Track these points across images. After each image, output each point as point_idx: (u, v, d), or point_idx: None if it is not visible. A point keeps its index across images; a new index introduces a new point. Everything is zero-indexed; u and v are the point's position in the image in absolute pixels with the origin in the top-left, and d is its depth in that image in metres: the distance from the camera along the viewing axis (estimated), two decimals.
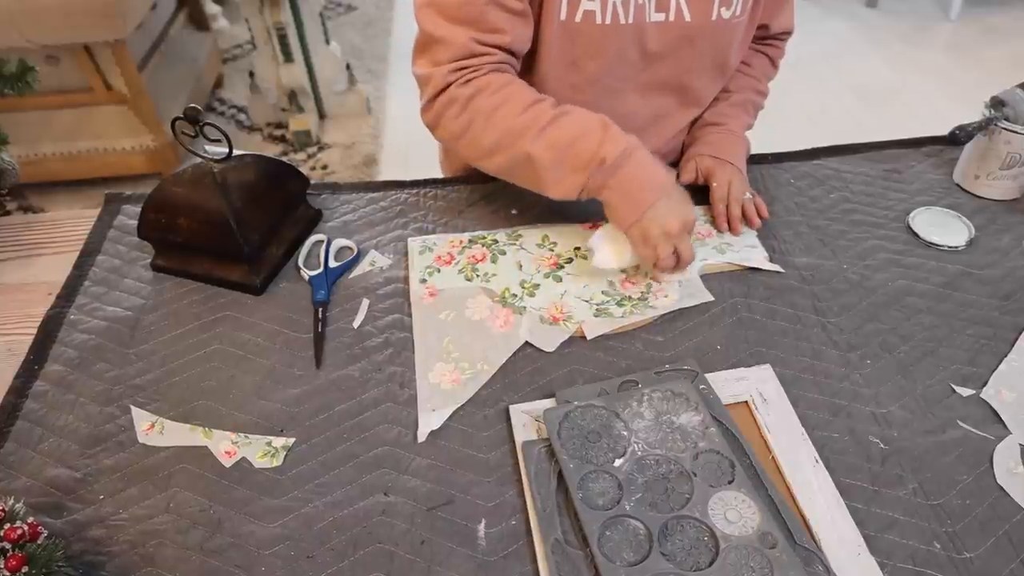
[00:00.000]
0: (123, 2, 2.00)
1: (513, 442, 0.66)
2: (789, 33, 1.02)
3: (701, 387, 0.69)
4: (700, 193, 0.95)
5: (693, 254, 0.79)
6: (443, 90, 0.80)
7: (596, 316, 0.78)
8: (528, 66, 0.86)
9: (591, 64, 0.85)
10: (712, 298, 0.80)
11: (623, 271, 0.83)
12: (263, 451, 0.66)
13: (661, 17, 0.83)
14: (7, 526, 0.53)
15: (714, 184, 0.91)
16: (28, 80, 0.96)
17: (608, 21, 0.81)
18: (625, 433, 0.64)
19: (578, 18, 0.80)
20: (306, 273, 0.84)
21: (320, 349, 0.75)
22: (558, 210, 0.89)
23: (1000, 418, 0.68)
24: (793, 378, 0.72)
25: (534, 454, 0.64)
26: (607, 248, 0.81)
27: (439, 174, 1.12)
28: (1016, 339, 0.76)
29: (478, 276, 0.83)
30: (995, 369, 0.73)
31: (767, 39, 1.01)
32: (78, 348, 0.76)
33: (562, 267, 0.85)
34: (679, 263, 0.79)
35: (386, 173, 2.48)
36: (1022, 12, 3.46)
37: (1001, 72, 2.92)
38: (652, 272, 0.83)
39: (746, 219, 0.90)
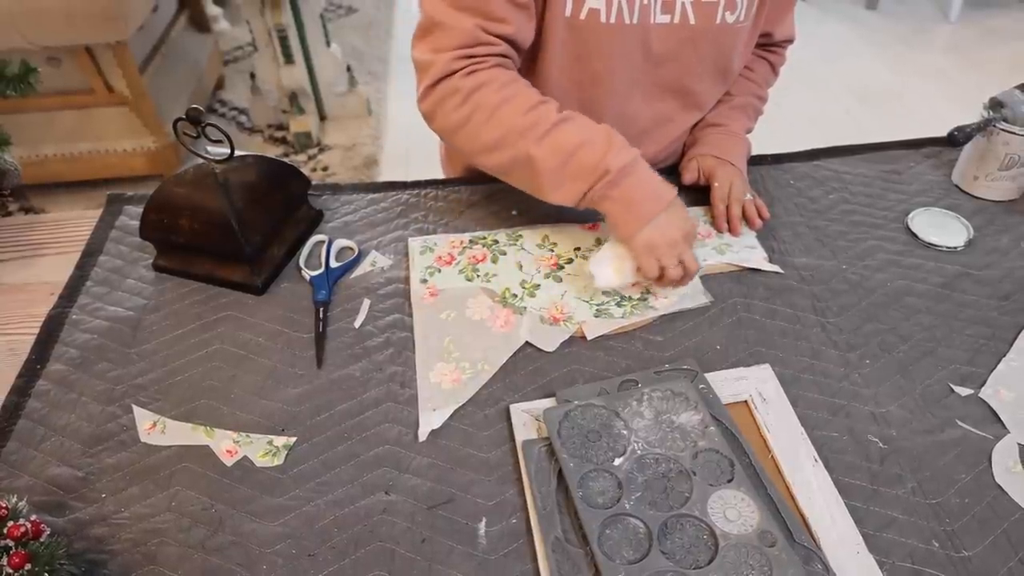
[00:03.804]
0: (124, 4, 2.00)
1: (513, 441, 0.67)
2: (791, 41, 1.03)
3: (701, 387, 0.70)
4: (701, 193, 0.95)
5: (698, 264, 0.79)
6: (444, 78, 0.78)
7: (596, 316, 0.78)
8: (532, 62, 0.86)
9: (595, 63, 0.85)
10: (709, 301, 0.80)
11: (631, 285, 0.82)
12: (264, 450, 0.66)
13: (666, 19, 0.83)
14: (10, 524, 0.53)
15: (715, 184, 0.92)
16: (30, 81, 0.96)
17: (613, 20, 0.81)
18: (625, 432, 0.64)
19: (583, 15, 0.80)
20: (307, 273, 0.84)
21: (321, 349, 0.76)
22: (558, 211, 0.89)
23: (999, 417, 0.68)
24: (792, 378, 0.72)
25: (534, 453, 0.64)
26: (608, 268, 0.80)
27: (440, 175, 1.13)
28: (1015, 339, 0.76)
29: (479, 276, 0.84)
30: (994, 369, 0.73)
31: (770, 46, 1.02)
32: (80, 348, 0.76)
33: (562, 267, 0.85)
34: (685, 274, 0.78)
35: (387, 174, 2.48)
36: (1021, 14, 3.47)
37: (1000, 74, 2.93)
38: (655, 286, 0.81)
39: (746, 220, 0.90)
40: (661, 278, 0.78)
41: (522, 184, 0.81)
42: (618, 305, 0.80)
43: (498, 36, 0.78)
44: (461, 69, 0.77)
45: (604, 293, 0.81)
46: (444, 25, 0.77)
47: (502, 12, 0.77)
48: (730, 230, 0.90)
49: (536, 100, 0.78)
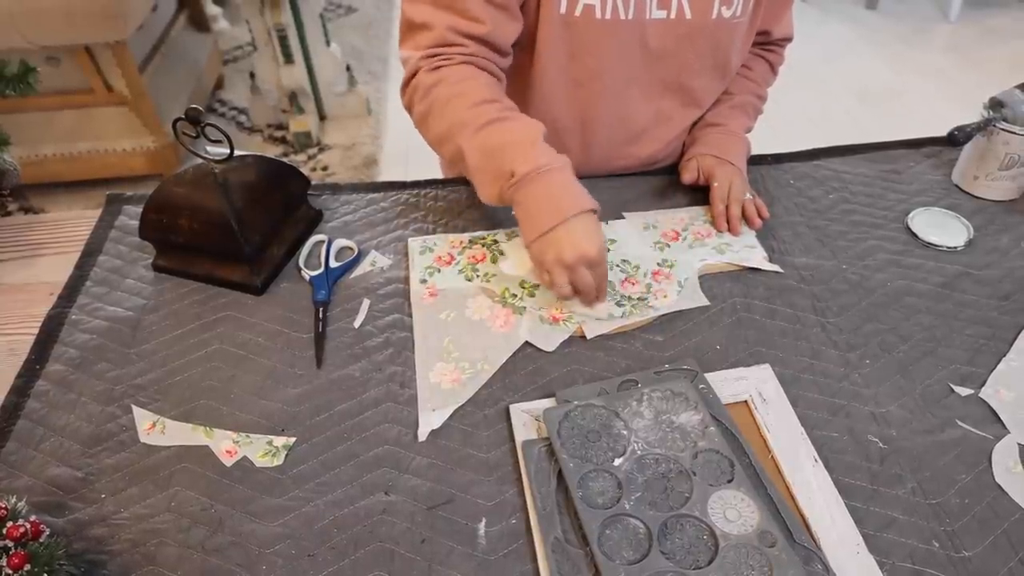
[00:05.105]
0: (124, 3, 2.00)
1: (513, 441, 0.67)
2: (789, 39, 1.03)
3: (701, 387, 0.69)
4: (700, 193, 0.95)
5: (594, 290, 0.74)
6: (414, 75, 0.82)
7: (596, 316, 0.78)
8: (527, 61, 0.87)
9: (590, 60, 0.85)
10: (708, 303, 0.80)
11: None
12: (264, 450, 0.66)
13: (662, 14, 0.83)
14: (9, 524, 0.53)
15: (715, 184, 0.92)
16: (29, 81, 0.96)
17: (608, 16, 0.81)
18: (625, 432, 0.64)
19: (578, 12, 0.81)
20: (307, 273, 0.84)
21: (321, 349, 0.76)
22: None
23: (999, 417, 0.68)
24: (792, 378, 0.72)
25: (534, 453, 0.64)
26: (515, 255, 0.83)
27: (439, 175, 1.13)
28: (1015, 339, 0.76)
29: (478, 276, 0.84)
30: (994, 369, 0.73)
31: (768, 45, 1.02)
32: (79, 348, 0.76)
33: None
34: (580, 294, 0.75)
35: (386, 174, 2.48)
36: (1021, 13, 3.47)
37: (1000, 73, 2.93)
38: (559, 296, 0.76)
39: (746, 219, 0.90)
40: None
41: (468, 178, 0.81)
42: (618, 304, 0.80)
43: (470, 36, 0.79)
44: (426, 66, 0.80)
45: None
46: (420, 24, 0.80)
47: (477, 11, 0.78)
48: (730, 230, 0.89)
49: (484, 97, 0.78)
